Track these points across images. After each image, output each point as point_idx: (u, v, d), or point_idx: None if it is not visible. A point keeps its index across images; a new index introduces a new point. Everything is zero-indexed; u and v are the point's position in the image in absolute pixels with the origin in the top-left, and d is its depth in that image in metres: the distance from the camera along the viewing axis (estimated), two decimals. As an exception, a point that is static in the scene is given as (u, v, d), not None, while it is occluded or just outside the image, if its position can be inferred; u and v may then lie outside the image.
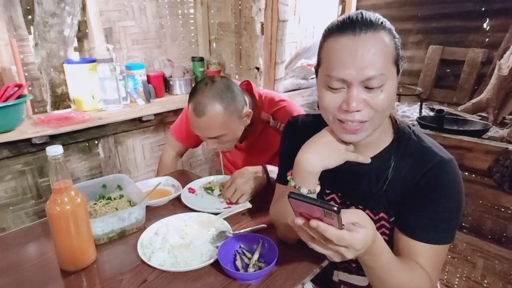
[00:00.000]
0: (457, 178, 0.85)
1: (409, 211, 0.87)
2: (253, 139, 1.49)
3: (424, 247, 0.84)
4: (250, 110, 1.37)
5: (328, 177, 0.97)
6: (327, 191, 1.01)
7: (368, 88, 0.77)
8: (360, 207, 0.95)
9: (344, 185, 0.98)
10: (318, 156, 0.85)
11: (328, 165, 0.86)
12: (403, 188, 0.88)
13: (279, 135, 1.37)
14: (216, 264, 0.91)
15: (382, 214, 0.93)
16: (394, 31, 0.80)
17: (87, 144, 2.09)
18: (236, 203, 1.25)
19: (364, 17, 0.77)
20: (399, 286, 0.81)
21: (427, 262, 0.84)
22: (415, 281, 0.82)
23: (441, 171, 0.84)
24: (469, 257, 1.87)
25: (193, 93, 1.29)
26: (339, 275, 1.09)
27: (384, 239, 0.86)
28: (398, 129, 0.92)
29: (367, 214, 0.92)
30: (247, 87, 1.47)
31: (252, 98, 1.46)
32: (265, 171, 1.31)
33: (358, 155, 0.88)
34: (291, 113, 1.40)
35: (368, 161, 0.90)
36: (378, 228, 0.93)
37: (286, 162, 1.00)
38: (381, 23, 0.78)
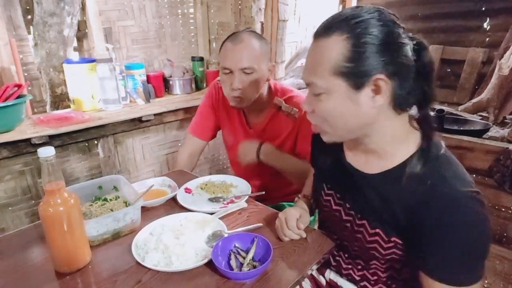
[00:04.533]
0: (471, 217, 0.74)
1: (420, 244, 0.79)
2: (264, 124, 1.53)
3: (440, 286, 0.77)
4: (273, 64, 1.48)
5: (330, 177, 1.01)
6: (328, 186, 1.03)
7: None
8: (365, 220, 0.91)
9: (347, 191, 0.97)
10: None
11: None
12: (409, 215, 0.80)
13: (290, 120, 1.47)
14: (210, 264, 0.91)
15: (394, 239, 0.86)
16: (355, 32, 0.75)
17: (86, 144, 2.09)
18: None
19: (325, 21, 0.81)
20: None
21: None
22: None
23: (451, 209, 0.75)
24: (469, 257, 1.86)
25: (231, 34, 1.44)
26: (331, 275, 1.09)
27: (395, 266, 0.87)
28: (427, 146, 0.83)
29: (379, 233, 0.87)
30: None
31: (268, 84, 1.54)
32: (258, 150, 1.44)
33: None
34: (302, 101, 1.45)
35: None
36: (388, 254, 0.89)
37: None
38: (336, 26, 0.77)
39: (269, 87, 1.54)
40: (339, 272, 1.07)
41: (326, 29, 0.78)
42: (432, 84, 0.80)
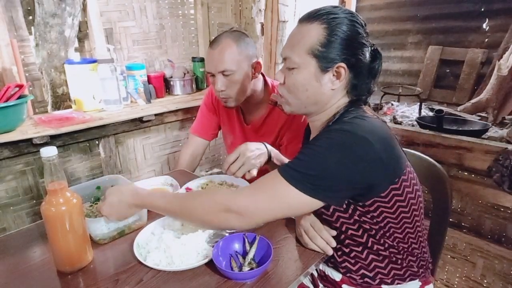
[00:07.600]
0: (337, 138, 0.86)
1: None
2: (261, 120, 1.56)
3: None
4: (259, 61, 1.48)
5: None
6: None
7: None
8: None
9: None
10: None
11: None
12: None
13: (284, 115, 1.49)
14: (211, 263, 0.92)
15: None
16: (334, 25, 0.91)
17: (87, 144, 2.10)
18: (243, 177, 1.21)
19: (310, 12, 0.95)
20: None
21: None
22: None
23: (333, 130, 0.90)
24: (469, 257, 1.87)
25: (214, 38, 1.47)
26: (320, 265, 1.10)
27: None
28: (340, 115, 0.96)
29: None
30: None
31: (264, 82, 1.57)
32: (267, 148, 1.27)
33: None
34: None
35: None
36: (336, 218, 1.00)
37: None
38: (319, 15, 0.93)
39: (266, 84, 1.56)
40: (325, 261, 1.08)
41: (310, 17, 0.94)
42: (375, 84, 0.99)
